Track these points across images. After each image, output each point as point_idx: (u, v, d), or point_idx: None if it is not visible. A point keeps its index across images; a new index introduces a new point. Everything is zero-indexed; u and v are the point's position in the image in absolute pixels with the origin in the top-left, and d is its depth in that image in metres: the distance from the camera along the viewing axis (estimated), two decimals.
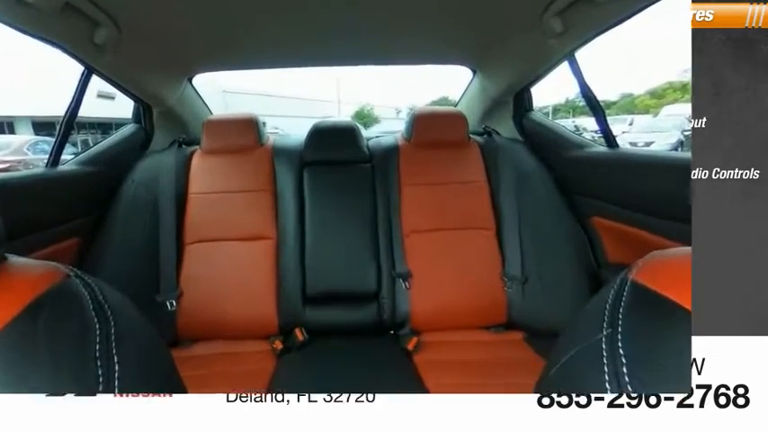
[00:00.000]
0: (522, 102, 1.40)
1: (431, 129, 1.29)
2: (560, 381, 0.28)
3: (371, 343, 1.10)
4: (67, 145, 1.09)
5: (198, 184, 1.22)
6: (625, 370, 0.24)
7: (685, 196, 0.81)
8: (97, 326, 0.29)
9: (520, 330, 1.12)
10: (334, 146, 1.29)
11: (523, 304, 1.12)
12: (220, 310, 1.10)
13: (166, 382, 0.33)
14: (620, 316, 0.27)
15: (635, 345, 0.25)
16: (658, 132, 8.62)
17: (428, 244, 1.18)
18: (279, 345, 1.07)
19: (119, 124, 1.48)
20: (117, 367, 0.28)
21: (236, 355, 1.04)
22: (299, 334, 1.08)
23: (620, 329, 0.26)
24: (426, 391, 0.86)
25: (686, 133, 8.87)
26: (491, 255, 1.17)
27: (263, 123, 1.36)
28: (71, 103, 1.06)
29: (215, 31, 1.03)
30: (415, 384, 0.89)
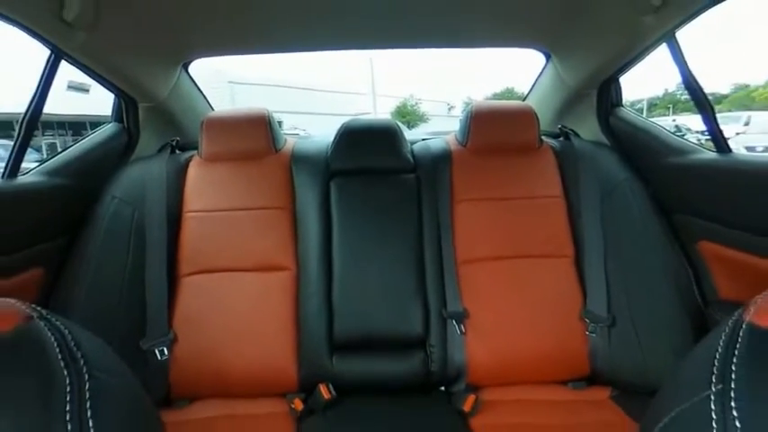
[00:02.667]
0: (608, 95, 1.44)
1: (492, 129, 1.34)
2: None
3: (417, 404, 1.12)
4: (29, 150, 1.14)
5: (196, 201, 1.27)
6: None
7: None
8: (67, 380, 0.30)
9: (606, 386, 1.15)
10: (368, 151, 1.35)
11: (610, 352, 1.14)
12: (225, 359, 1.13)
13: None
14: (734, 368, 0.28)
15: (753, 404, 0.25)
16: None
17: (488, 275, 1.22)
18: (299, 405, 1.09)
19: (95, 123, 1.55)
20: None
21: (244, 419, 1.07)
22: (325, 391, 1.10)
23: (733, 385, 0.27)
24: None
25: None
26: (569, 289, 1.20)
27: (279, 122, 1.39)
28: (34, 97, 1.09)
29: (216, 4, 1.08)
30: None
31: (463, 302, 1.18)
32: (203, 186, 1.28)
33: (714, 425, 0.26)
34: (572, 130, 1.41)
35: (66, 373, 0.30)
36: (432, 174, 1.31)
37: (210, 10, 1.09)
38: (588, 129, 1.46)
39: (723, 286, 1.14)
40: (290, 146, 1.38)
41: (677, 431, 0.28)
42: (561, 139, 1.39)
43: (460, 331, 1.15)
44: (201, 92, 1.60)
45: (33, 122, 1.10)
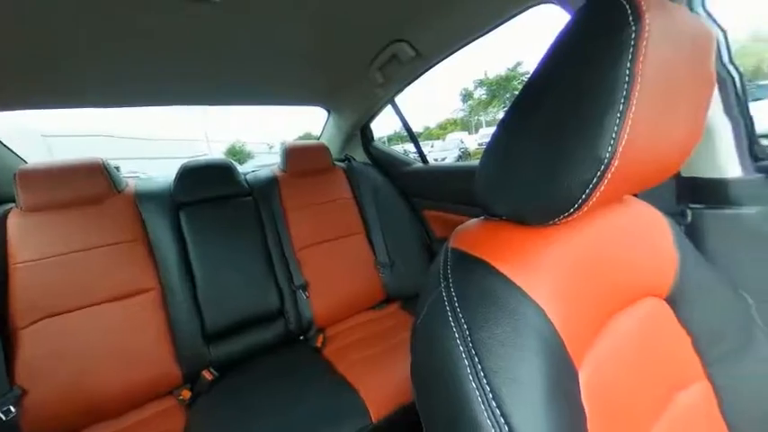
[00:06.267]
0: (366, 134, 1.56)
1: (302, 160, 1.30)
2: (423, 327, 0.31)
3: (285, 354, 1.03)
4: None
5: (24, 251, 0.85)
6: (457, 305, 0.29)
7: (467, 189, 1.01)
8: None
9: (396, 301, 1.26)
10: (210, 183, 1.13)
11: (394, 281, 1.24)
12: (98, 388, 0.81)
13: None
14: (449, 272, 0.31)
15: (461, 288, 0.30)
16: (447, 151, 11.32)
17: (317, 255, 1.19)
18: (186, 394, 0.88)
19: None
20: None
21: (137, 426, 0.80)
22: (208, 374, 0.92)
23: (450, 280, 0.31)
24: (340, 375, 0.88)
25: (462, 150, 11.63)
26: (366, 252, 1.27)
27: (117, 168, 1.02)
28: None
29: (20, 59, 0.72)
30: (329, 374, 0.90)
31: (304, 276, 1.13)
32: (31, 236, 0.85)
33: (445, 299, 0.29)
34: (352, 157, 1.47)
35: None
36: (265, 194, 1.19)
37: (12, 64, 0.72)
38: (359, 155, 1.55)
39: (437, 231, 1.37)
40: (131, 187, 1.05)
41: (431, 312, 0.31)
42: (346, 162, 1.45)
43: (306, 296, 1.11)
44: (6, 146, 1.01)
45: None
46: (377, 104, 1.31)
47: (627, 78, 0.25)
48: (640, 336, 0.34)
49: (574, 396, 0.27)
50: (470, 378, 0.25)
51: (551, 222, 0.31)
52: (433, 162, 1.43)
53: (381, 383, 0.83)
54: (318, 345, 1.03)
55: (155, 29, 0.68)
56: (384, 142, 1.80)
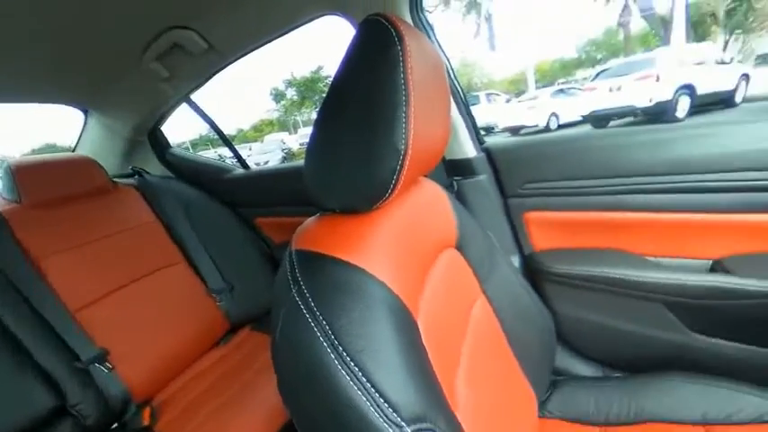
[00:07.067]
0: (158, 140, 1.25)
1: (50, 182, 0.89)
2: (284, 338, 0.31)
3: None
4: None
5: None
6: (313, 303, 0.29)
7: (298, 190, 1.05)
8: None
9: (245, 326, 1.09)
10: None
11: (237, 306, 1.07)
12: None
13: None
14: (298, 274, 0.32)
15: (313, 287, 0.30)
16: (268, 153, 10.75)
17: (115, 306, 0.87)
18: None
19: None
20: None
21: None
22: None
23: (301, 283, 0.31)
24: None
25: (285, 150, 11.44)
26: (191, 282, 1.03)
27: None
28: None
29: None
30: None
31: (97, 343, 0.79)
32: None
33: (300, 303, 0.29)
34: (142, 170, 1.14)
35: None
36: None
37: None
38: (154, 167, 1.23)
39: (275, 237, 1.29)
40: None
41: (287, 321, 0.30)
42: (136, 177, 1.11)
43: (108, 369, 0.78)
44: None
45: None
46: (166, 103, 1.07)
47: (404, 84, 0.32)
48: (446, 277, 0.46)
49: (418, 342, 0.34)
50: (339, 366, 0.26)
51: (375, 208, 0.36)
52: (255, 166, 1.32)
53: (247, 423, 0.72)
54: (146, 423, 0.77)
55: None
56: (187, 148, 1.51)
